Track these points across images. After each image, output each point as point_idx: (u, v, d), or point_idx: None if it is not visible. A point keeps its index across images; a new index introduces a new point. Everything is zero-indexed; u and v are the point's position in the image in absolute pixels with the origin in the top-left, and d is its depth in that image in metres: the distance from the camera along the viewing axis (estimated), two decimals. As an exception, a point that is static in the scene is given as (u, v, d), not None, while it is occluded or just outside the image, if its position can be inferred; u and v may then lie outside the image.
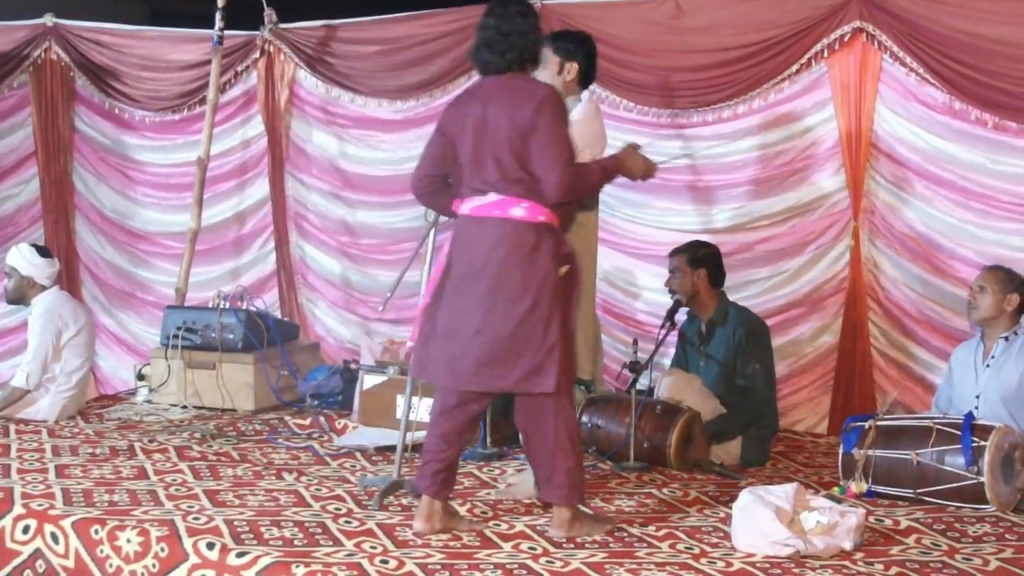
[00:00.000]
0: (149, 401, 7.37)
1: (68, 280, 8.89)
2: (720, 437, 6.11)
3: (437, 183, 4.99)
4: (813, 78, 6.97)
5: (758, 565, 4.40)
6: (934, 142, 6.67)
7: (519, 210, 4.77)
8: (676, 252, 6.49)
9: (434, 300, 4.93)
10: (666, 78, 7.23)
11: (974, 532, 4.87)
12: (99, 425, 6.76)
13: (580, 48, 5.86)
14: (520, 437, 5.01)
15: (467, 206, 4.85)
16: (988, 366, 5.78)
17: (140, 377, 7.58)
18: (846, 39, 6.80)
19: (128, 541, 4.65)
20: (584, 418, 6.01)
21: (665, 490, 5.54)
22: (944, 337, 6.65)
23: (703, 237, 6.87)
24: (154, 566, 4.54)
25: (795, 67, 6.93)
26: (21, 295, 6.99)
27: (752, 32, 7.01)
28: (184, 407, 7.21)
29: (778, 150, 7.07)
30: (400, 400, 6.39)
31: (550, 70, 5.67)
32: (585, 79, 5.86)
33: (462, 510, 5.08)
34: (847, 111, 6.85)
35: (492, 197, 4.79)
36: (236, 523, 4.77)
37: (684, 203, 7.21)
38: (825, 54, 6.87)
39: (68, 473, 5.59)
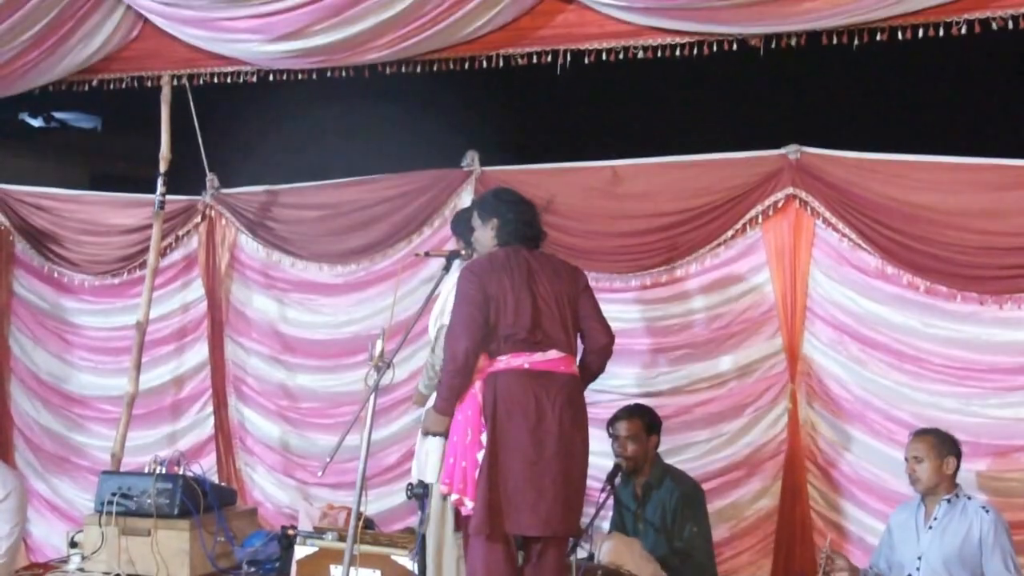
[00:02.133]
0: (81, 569, 7.20)
1: (1, 445, 8.75)
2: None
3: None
4: (748, 243, 7.08)
5: None
6: (868, 305, 6.77)
7: (575, 367, 5.53)
8: (627, 417, 6.55)
9: (491, 455, 5.29)
10: (605, 243, 7.32)
11: None
12: (29, 594, 6.62)
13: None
14: None
15: (522, 360, 5.37)
16: (931, 528, 5.81)
17: (73, 544, 7.42)
18: (780, 205, 6.93)
19: None
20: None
21: (607, 657, 5.48)
22: (882, 499, 6.66)
23: (643, 400, 6.92)
24: None
25: (730, 232, 7.05)
26: (-50, 462, 6.88)
27: (688, 198, 7.14)
28: (117, 575, 7.07)
29: (716, 313, 7.15)
30: (336, 569, 6.32)
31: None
32: None
33: None
34: (782, 275, 6.96)
35: (554, 353, 5.38)
36: None
37: (624, 366, 7.25)
38: (760, 219, 7.00)
39: (-5, 645, 5.45)
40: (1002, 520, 5.79)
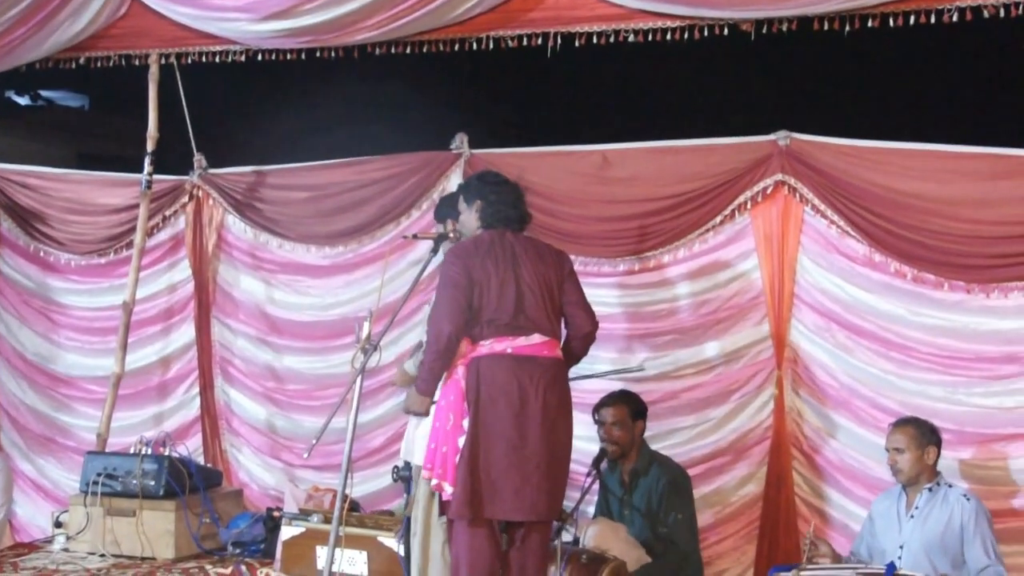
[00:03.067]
0: (66, 549, 7.20)
1: (-14, 425, 8.75)
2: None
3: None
4: (737, 229, 7.07)
5: None
6: (855, 293, 6.77)
7: (558, 351, 5.52)
8: (613, 403, 6.56)
9: (473, 440, 5.30)
10: (593, 227, 7.31)
11: None
12: (13, 575, 6.59)
13: None
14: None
15: (505, 345, 5.38)
16: (912, 517, 5.82)
17: (58, 524, 7.42)
18: (768, 191, 6.92)
19: None
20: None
21: (591, 642, 5.49)
22: (866, 487, 6.66)
23: (629, 385, 6.91)
24: None
25: (719, 218, 7.04)
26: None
27: (677, 183, 7.13)
28: (102, 555, 7.06)
29: (703, 299, 7.14)
30: (321, 550, 6.31)
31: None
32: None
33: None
34: (770, 262, 6.96)
35: (537, 338, 5.40)
36: (151, 678, 4.66)
37: (611, 351, 7.24)
38: (748, 206, 6.98)
39: (-22, 625, 5.44)
40: (983, 508, 5.79)
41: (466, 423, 5.33)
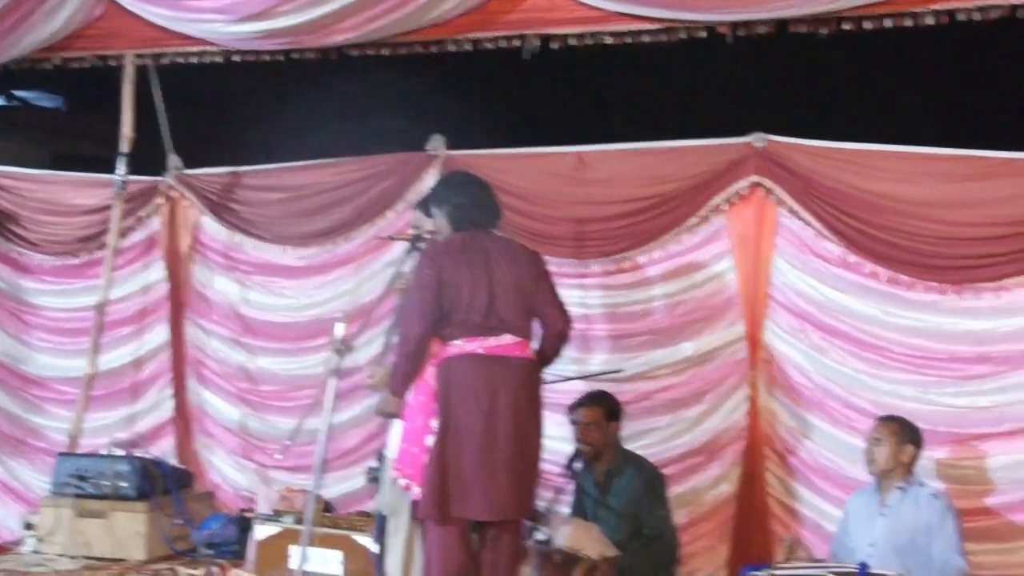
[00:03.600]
0: (36, 552, 7.17)
1: (-45, 426, 8.68)
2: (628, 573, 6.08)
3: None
4: (712, 230, 7.08)
5: None
6: (830, 294, 6.79)
7: (530, 351, 5.46)
8: (588, 404, 6.55)
9: (442, 440, 5.27)
10: (569, 228, 7.31)
11: None
12: (-17, 575, 6.57)
13: None
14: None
15: (476, 345, 5.34)
16: (883, 515, 5.83)
17: (28, 527, 7.38)
18: (744, 193, 6.95)
19: None
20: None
21: (564, 641, 5.48)
22: (839, 486, 6.67)
23: (604, 386, 6.91)
24: None
25: (694, 219, 7.06)
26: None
27: (653, 185, 7.15)
28: (73, 557, 7.03)
29: (678, 300, 7.15)
30: (294, 550, 6.29)
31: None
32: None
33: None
34: (745, 263, 6.99)
35: (508, 338, 5.36)
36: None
37: (584, 352, 7.24)
38: (724, 207, 7.01)
39: (-54, 626, 5.40)
40: (952, 506, 5.80)
41: (435, 423, 5.31)
